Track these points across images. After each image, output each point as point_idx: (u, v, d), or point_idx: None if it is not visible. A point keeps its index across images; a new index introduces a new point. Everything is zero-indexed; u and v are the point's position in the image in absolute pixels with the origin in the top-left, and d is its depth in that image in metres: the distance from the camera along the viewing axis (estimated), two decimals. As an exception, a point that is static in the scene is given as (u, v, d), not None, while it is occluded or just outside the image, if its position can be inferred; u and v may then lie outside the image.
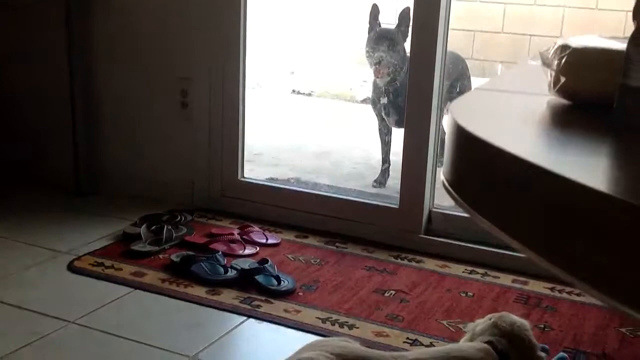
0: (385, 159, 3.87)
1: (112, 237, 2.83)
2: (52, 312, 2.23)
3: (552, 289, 2.50)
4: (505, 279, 2.58)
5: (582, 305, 2.39)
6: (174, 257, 2.60)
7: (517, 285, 2.54)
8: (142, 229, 2.78)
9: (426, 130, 2.80)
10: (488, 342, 1.80)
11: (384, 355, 1.78)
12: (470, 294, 2.47)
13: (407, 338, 2.16)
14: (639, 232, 0.54)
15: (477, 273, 2.63)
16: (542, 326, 2.23)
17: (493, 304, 2.39)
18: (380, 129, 3.91)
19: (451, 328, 2.22)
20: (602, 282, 0.58)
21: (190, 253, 2.61)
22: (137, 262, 2.62)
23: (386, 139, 3.89)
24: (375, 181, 3.88)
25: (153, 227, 2.81)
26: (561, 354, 1.90)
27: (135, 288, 2.43)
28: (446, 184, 0.80)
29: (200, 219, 3.07)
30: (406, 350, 2.06)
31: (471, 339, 1.84)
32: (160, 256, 2.68)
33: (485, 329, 1.85)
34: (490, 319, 1.89)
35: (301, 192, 3.12)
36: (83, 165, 3.30)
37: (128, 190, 3.28)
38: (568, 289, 2.50)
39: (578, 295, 2.46)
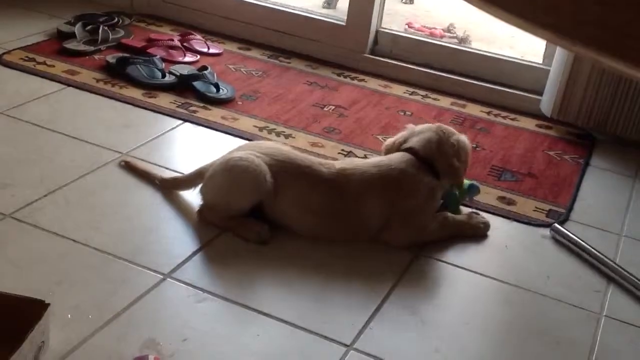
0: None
1: (45, 34, 2.71)
2: (-20, 103, 2.17)
3: (488, 113, 2.54)
4: (445, 101, 2.60)
5: (514, 129, 2.44)
6: (109, 58, 2.51)
7: (455, 108, 2.56)
8: (77, 28, 2.67)
9: (380, -57, 2.67)
10: (409, 149, 1.82)
11: (312, 159, 1.80)
12: (409, 113, 2.48)
13: (342, 150, 2.18)
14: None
15: (418, 94, 2.63)
16: (475, 145, 2.28)
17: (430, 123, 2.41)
18: None
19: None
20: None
21: (127, 55, 2.53)
22: (70, 61, 2.53)
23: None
24: (325, 1, 3.77)
25: (89, 27, 2.69)
26: (472, 182, 1.91)
27: (68, 85, 2.36)
28: None
29: (139, 24, 2.95)
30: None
31: (409, 136, 1.86)
32: (96, 57, 2.59)
33: (424, 130, 1.86)
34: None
35: (247, 2, 3.00)
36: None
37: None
38: (504, 113, 2.54)
39: (512, 119, 2.51)
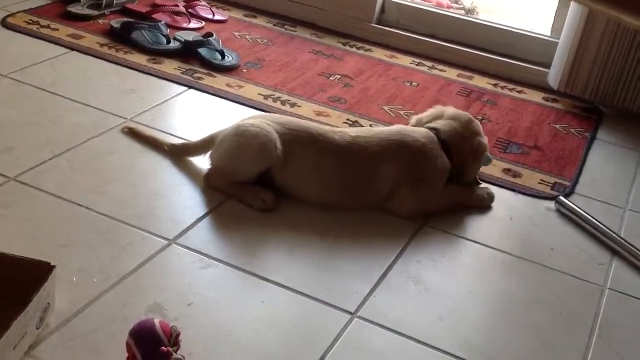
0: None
1: (49, -2, 2.69)
2: (-17, 65, 2.15)
3: (495, 85, 2.52)
4: (451, 73, 2.58)
5: (521, 102, 2.43)
6: (113, 23, 2.49)
7: (462, 80, 2.54)
8: (81, -9, 2.64)
9: None
10: (433, 129, 1.81)
11: (325, 128, 1.79)
12: (415, 83, 2.46)
13: (347, 119, 2.17)
14: None
15: (425, 65, 2.61)
16: (480, 118, 2.26)
17: (436, 94, 2.39)
18: None
19: (391, 113, 2.23)
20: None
21: (131, 20, 2.50)
22: (74, 25, 2.50)
23: None
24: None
25: (93, -9, 2.67)
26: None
27: (72, 50, 2.34)
28: None
29: (144, -11, 2.92)
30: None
31: (438, 117, 1.85)
32: (100, 21, 2.57)
33: (454, 117, 1.83)
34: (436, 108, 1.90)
35: (253, -31, 2.97)
36: None
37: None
38: (510, 85, 2.52)
39: (519, 92, 2.49)
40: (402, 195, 1.73)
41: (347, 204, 1.75)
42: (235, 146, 1.71)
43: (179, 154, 1.85)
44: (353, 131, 1.80)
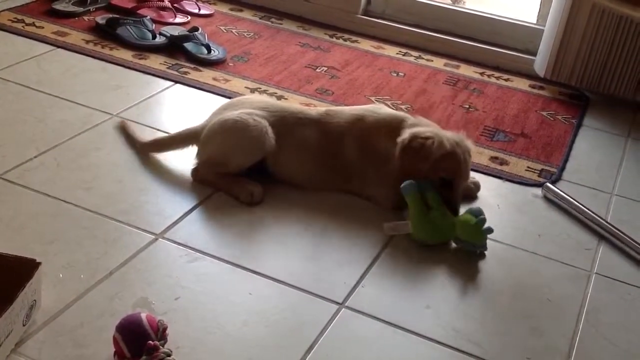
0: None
1: (34, -5, 2.68)
2: (-32, 64, 2.14)
3: (481, 74, 2.52)
4: (438, 62, 2.58)
5: (508, 90, 2.43)
6: (99, 19, 2.48)
7: (448, 69, 2.54)
8: (66, -12, 2.63)
9: None
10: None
11: (301, 107, 1.86)
12: (402, 74, 2.46)
13: (334, 111, 2.17)
14: None
15: (411, 55, 2.61)
16: (467, 107, 2.27)
17: (422, 84, 2.39)
18: None
19: (378, 103, 2.24)
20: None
21: (117, 16, 2.49)
22: (59, 22, 2.50)
23: None
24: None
25: (77, -12, 2.66)
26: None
27: (58, 47, 2.33)
28: None
29: (129, -15, 2.91)
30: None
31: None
32: (85, 18, 2.56)
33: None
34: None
35: (238, -37, 2.96)
36: None
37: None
38: (497, 74, 2.53)
39: (506, 80, 2.49)
40: (372, 182, 1.73)
41: (334, 183, 1.76)
42: (228, 140, 1.72)
43: (152, 150, 1.83)
44: (325, 108, 1.84)
